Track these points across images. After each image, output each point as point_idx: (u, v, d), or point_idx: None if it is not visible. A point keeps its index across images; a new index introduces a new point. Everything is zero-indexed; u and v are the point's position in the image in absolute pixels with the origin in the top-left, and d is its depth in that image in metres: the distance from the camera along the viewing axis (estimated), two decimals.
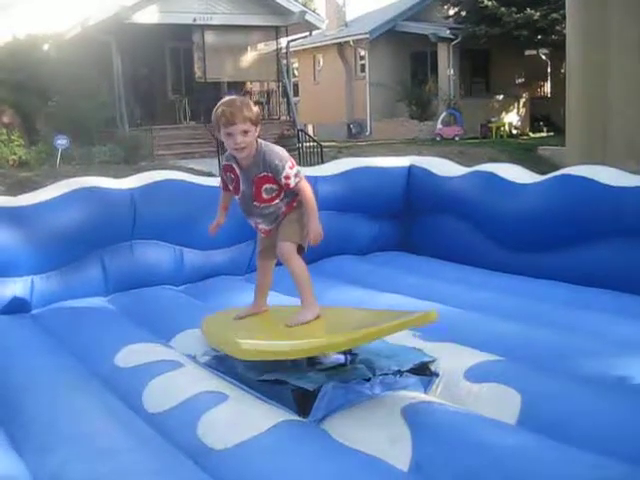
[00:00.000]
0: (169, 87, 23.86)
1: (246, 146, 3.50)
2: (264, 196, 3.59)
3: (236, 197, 3.76)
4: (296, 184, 3.54)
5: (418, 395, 3.13)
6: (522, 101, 26.25)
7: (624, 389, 3.10)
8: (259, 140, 3.59)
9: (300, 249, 3.64)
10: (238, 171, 3.63)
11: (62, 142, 16.62)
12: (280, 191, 3.59)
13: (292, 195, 3.62)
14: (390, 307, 4.37)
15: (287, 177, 3.52)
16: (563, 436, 2.72)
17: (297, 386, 3.06)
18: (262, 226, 3.73)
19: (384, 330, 3.17)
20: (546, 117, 25.41)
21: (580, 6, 12.40)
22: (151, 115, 21.11)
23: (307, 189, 3.60)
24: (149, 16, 20.10)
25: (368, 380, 3.14)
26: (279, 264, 3.78)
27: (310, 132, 23.45)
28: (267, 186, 3.57)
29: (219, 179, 4.09)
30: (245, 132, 3.47)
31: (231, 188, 3.74)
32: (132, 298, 4.98)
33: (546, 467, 2.49)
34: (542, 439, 2.69)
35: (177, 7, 20.41)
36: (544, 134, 24.63)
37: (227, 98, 3.60)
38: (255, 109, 3.56)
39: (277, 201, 3.61)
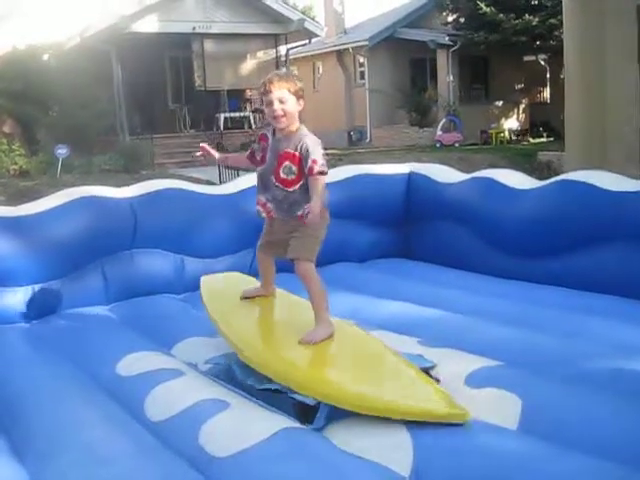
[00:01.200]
0: (169, 96, 23.90)
1: (284, 114, 3.53)
2: (281, 175, 3.57)
3: (258, 170, 3.74)
4: (319, 172, 3.49)
5: None
6: (522, 107, 26.25)
7: (625, 394, 3.10)
8: (302, 125, 3.62)
9: None
10: (270, 140, 3.66)
11: (62, 151, 16.63)
12: (297, 178, 3.55)
13: (308, 196, 3.50)
14: (390, 314, 4.40)
15: (314, 161, 3.48)
16: (564, 441, 2.73)
17: (298, 400, 3.05)
18: (270, 205, 3.67)
19: (397, 411, 2.86)
20: (546, 122, 25.39)
21: (576, 12, 12.41)
22: (151, 124, 21.12)
23: (323, 182, 3.53)
24: (148, 25, 20.15)
25: None
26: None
27: None
28: (287, 164, 3.54)
29: (223, 187, 4.11)
30: (282, 101, 3.50)
31: (258, 158, 3.74)
32: (133, 307, 4.99)
33: (547, 472, 2.50)
34: (543, 444, 2.70)
35: (176, 16, 20.45)
36: (544, 139, 24.62)
37: (275, 71, 3.67)
38: (298, 83, 3.60)
39: (291, 189, 3.57)
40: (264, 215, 3.74)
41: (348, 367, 3.26)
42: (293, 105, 3.54)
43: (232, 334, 3.64)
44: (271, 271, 3.95)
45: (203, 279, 4.31)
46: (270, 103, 3.52)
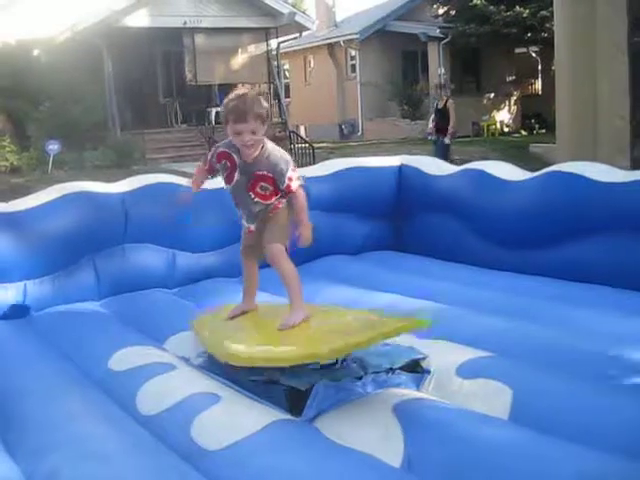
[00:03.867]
0: (160, 90, 23.84)
1: (254, 144, 3.51)
2: (258, 191, 3.62)
3: (226, 186, 3.75)
4: (296, 188, 3.57)
5: (410, 392, 3.15)
6: (513, 99, 26.31)
7: (615, 384, 3.13)
8: (265, 139, 3.59)
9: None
10: (237, 161, 3.62)
11: (53, 147, 16.62)
12: (274, 193, 3.62)
13: (280, 198, 3.66)
14: (382, 306, 4.40)
15: (290, 179, 3.55)
16: (555, 431, 2.75)
17: (289, 385, 3.07)
18: (245, 223, 3.77)
19: (376, 338, 3.15)
20: (537, 115, 25.43)
21: (567, 3, 12.41)
22: (142, 119, 21.07)
23: (303, 194, 3.63)
24: (139, 20, 20.09)
25: (360, 378, 3.15)
26: (267, 265, 3.81)
27: (302, 133, 23.47)
28: (263, 184, 3.59)
29: (214, 181, 4.09)
30: (254, 131, 3.47)
31: (222, 176, 3.74)
32: (125, 302, 4.98)
33: (538, 462, 2.51)
34: (534, 434, 2.71)
35: (167, 11, 20.40)
36: (536, 131, 24.66)
37: (239, 91, 3.58)
38: (265, 105, 3.55)
39: (268, 202, 3.64)
40: (246, 231, 3.83)
41: (341, 326, 3.43)
42: (262, 133, 3.53)
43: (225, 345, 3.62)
44: (253, 281, 3.98)
45: (195, 318, 4.23)
46: (240, 133, 3.47)
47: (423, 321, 3.15)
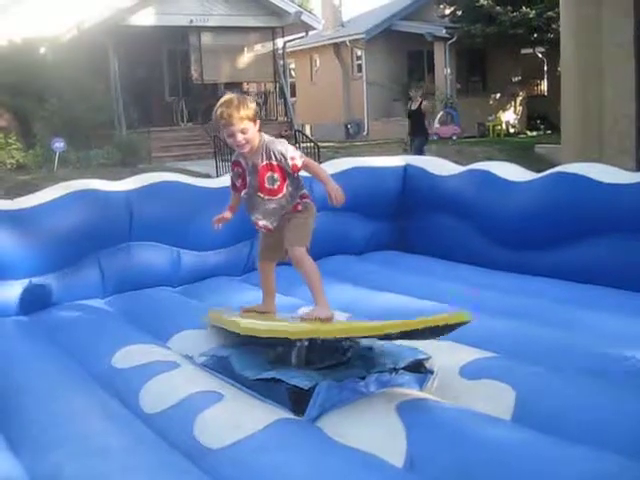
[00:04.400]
0: (166, 89, 23.87)
1: (247, 142, 3.65)
2: (267, 186, 3.70)
3: (242, 194, 3.83)
4: (303, 163, 3.68)
5: (413, 392, 3.15)
6: (519, 99, 26.27)
7: (618, 384, 3.12)
8: (262, 134, 3.72)
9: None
10: (244, 164, 3.76)
11: (59, 145, 16.63)
12: (283, 182, 3.69)
13: (296, 193, 3.74)
14: (386, 307, 4.41)
15: (293, 158, 3.67)
16: (558, 431, 2.75)
17: (292, 385, 3.08)
18: (263, 222, 3.80)
19: (410, 324, 3.04)
20: (543, 115, 25.41)
21: (573, 4, 12.41)
22: (148, 117, 21.10)
23: (311, 161, 3.80)
24: (145, 18, 20.11)
25: (363, 378, 3.16)
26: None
27: (307, 132, 23.48)
28: (270, 174, 3.68)
29: (220, 179, 4.16)
30: (244, 130, 3.61)
31: (238, 184, 3.85)
32: (129, 299, 5.00)
33: (541, 462, 2.51)
34: (537, 435, 2.71)
35: (173, 9, 20.41)
36: (541, 132, 24.63)
37: (225, 97, 3.73)
38: (252, 106, 3.69)
39: (280, 195, 3.70)
40: (263, 231, 3.87)
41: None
42: (253, 131, 3.66)
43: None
44: (272, 284, 4.01)
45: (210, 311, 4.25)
46: (232, 135, 3.63)
47: (464, 315, 3.02)
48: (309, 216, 3.78)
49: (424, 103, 14.36)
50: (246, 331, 3.38)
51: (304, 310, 3.81)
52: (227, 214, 4.02)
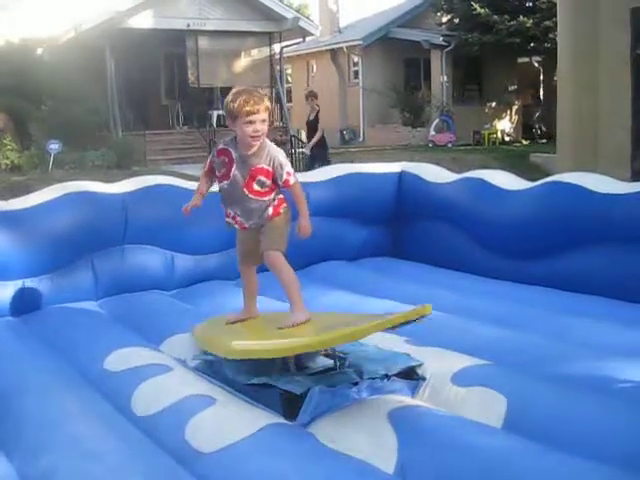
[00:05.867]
0: (162, 92, 23.86)
1: (263, 134, 3.62)
2: (255, 187, 3.67)
3: (221, 184, 3.78)
4: (294, 183, 3.68)
5: (405, 399, 3.15)
6: (515, 108, 26.31)
7: (610, 394, 3.12)
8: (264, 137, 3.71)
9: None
10: (235, 156, 3.70)
11: (54, 146, 16.60)
12: (271, 190, 3.69)
13: (279, 199, 3.72)
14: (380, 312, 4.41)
15: (289, 173, 3.66)
16: (548, 440, 2.75)
17: (284, 390, 3.08)
18: (240, 219, 3.77)
19: (379, 325, 3.14)
20: (539, 124, 25.47)
21: (571, 16, 12.46)
22: (144, 120, 21.05)
23: (301, 187, 3.75)
24: (143, 21, 20.09)
25: (355, 384, 3.16)
26: (265, 270, 3.82)
27: (303, 138, 23.47)
28: (261, 178, 3.66)
29: (214, 184, 4.09)
30: (264, 121, 3.60)
31: (219, 174, 3.78)
32: (122, 302, 4.99)
33: (531, 471, 2.52)
34: (528, 443, 2.72)
35: (171, 12, 20.39)
36: (537, 141, 24.68)
37: (242, 88, 3.72)
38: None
39: (265, 198, 3.69)
40: (235, 226, 3.84)
41: (340, 322, 3.41)
42: (267, 125, 3.66)
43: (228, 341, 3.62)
44: (254, 287, 4.00)
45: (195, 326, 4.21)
46: (252, 123, 3.57)
47: (425, 308, 3.12)
48: (285, 220, 3.75)
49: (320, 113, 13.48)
50: (238, 355, 3.34)
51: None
52: (198, 200, 3.93)
